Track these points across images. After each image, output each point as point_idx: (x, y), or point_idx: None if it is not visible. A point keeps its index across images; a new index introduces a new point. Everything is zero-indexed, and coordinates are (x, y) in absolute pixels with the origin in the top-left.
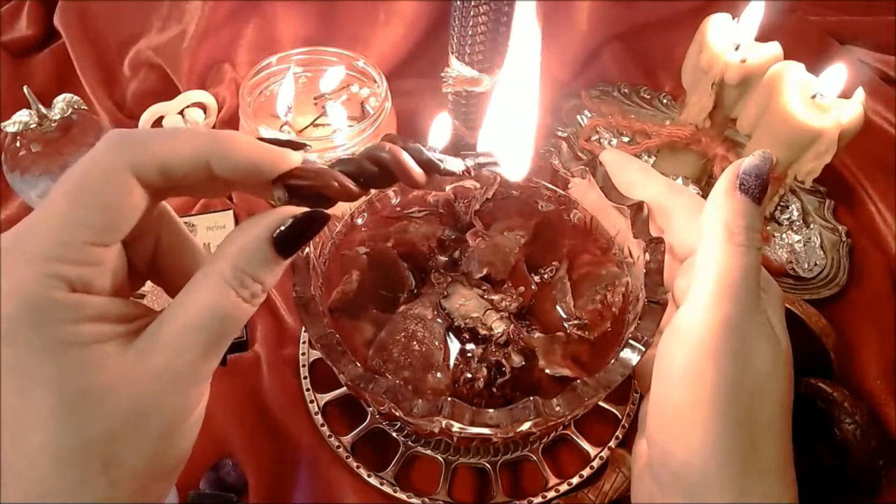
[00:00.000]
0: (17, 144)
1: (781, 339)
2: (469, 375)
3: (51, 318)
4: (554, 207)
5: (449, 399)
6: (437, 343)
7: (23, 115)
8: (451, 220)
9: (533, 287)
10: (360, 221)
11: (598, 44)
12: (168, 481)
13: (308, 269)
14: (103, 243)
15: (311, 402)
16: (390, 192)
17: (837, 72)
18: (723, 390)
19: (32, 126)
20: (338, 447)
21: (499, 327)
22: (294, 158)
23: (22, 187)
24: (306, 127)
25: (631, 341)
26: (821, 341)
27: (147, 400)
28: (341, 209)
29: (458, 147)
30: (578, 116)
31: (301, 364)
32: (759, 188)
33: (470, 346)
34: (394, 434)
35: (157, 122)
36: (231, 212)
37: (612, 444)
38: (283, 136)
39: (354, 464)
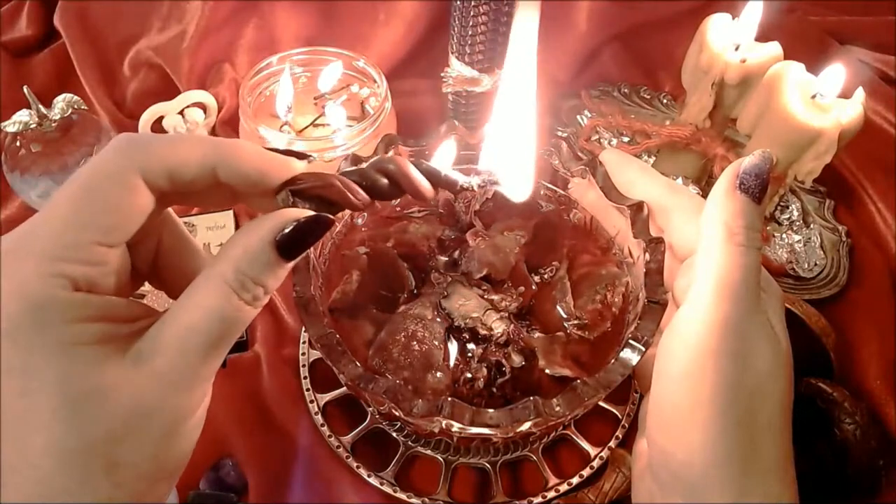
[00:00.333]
0: (17, 144)
1: (781, 339)
2: (469, 375)
3: (53, 317)
4: (554, 207)
5: (449, 399)
6: (437, 343)
7: (23, 115)
8: (451, 220)
9: (533, 287)
10: (360, 221)
11: (598, 44)
12: (169, 482)
13: (308, 269)
14: (108, 244)
15: (311, 402)
16: None
17: (837, 72)
18: (723, 390)
19: (32, 126)
20: (338, 447)
21: (499, 327)
22: (298, 167)
23: (22, 187)
24: (306, 127)
25: (631, 341)
26: (821, 341)
27: (149, 401)
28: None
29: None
30: (578, 116)
31: (301, 364)
32: (759, 188)
33: (470, 346)
34: (394, 434)
35: (157, 122)
36: (231, 212)
37: (612, 444)
38: (285, 137)
39: (354, 464)
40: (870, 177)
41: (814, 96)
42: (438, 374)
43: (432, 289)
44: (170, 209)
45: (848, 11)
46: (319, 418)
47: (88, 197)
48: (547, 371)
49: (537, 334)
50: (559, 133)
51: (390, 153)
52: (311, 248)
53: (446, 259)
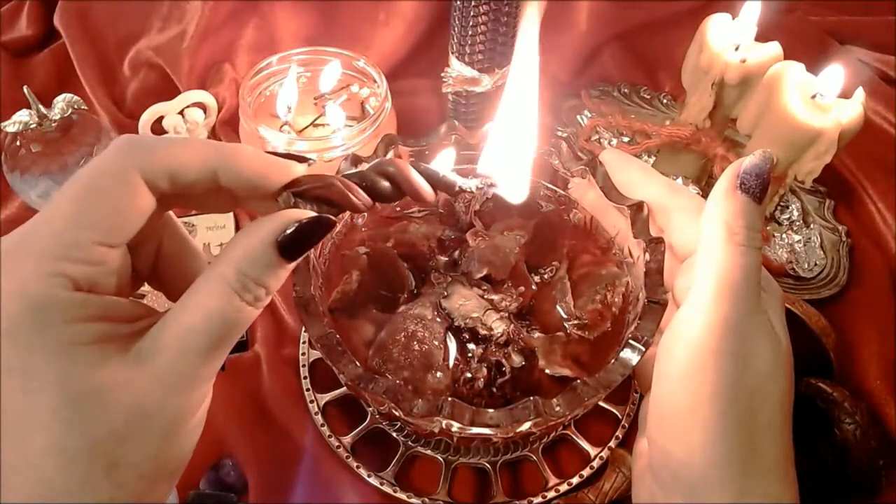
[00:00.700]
0: (17, 144)
1: (782, 339)
2: (469, 375)
3: (53, 317)
4: (554, 207)
5: (449, 399)
6: (437, 343)
7: (23, 115)
8: (451, 220)
9: (533, 287)
10: (360, 221)
11: (598, 44)
12: (170, 482)
13: (308, 269)
14: (109, 244)
15: (311, 402)
16: None
17: (837, 72)
18: (723, 390)
19: (32, 126)
20: (338, 447)
21: (499, 327)
22: (298, 170)
23: (22, 187)
24: (306, 127)
25: (631, 341)
26: (821, 341)
27: (149, 401)
28: None
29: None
30: (578, 116)
31: (301, 364)
32: (759, 188)
33: (470, 346)
34: (394, 434)
35: (157, 122)
36: (231, 213)
37: (612, 444)
38: (285, 137)
39: (354, 464)
40: (870, 177)
41: (814, 96)
42: (438, 374)
43: (432, 289)
44: (170, 211)
45: (848, 11)
46: (319, 418)
47: (89, 197)
48: (547, 371)
49: (537, 334)
50: (559, 133)
51: (390, 153)
52: (312, 249)
53: (446, 259)
